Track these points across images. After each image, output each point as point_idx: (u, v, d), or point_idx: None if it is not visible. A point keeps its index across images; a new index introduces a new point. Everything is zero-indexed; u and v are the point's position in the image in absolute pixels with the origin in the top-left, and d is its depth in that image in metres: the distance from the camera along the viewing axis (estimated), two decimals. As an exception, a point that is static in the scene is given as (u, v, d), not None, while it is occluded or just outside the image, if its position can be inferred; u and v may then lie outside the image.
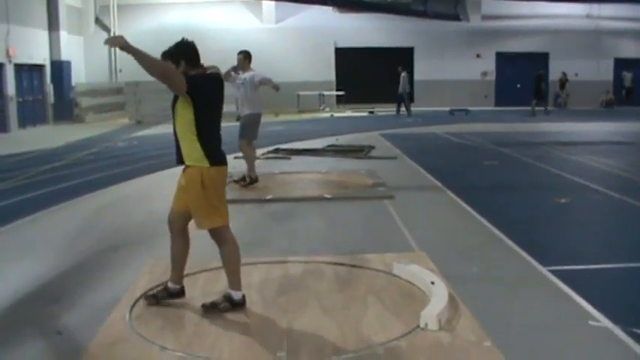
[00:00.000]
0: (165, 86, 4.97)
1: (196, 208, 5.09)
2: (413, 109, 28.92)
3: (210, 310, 5.12)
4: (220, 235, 5.19)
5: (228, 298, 5.16)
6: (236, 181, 10.89)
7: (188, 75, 5.00)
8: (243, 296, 5.21)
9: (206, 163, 5.02)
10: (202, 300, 5.29)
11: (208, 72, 5.27)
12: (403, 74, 28.16)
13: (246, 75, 10.89)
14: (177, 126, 5.10)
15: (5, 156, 16.01)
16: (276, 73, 32.07)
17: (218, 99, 5.25)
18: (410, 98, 28.90)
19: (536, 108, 27.63)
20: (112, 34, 30.66)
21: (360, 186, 10.92)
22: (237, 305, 5.16)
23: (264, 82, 11.04)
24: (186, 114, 5.00)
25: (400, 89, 28.33)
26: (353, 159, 14.57)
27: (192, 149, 5.03)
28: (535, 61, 33.05)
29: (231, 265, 5.21)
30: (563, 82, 31.64)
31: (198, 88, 5.00)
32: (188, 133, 5.03)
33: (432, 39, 32.84)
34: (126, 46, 4.65)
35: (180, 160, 5.15)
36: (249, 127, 10.98)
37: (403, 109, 28.31)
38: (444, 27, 32.35)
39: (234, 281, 5.20)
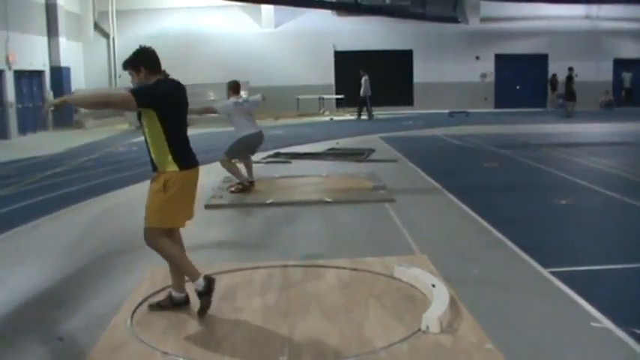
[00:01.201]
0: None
1: (149, 206, 5.11)
2: (412, 111, 28.94)
3: (202, 312, 5.13)
4: (154, 237, 5.16)
5: (199, 294, 5.14)
6: (232, 191, 10.84)
7: (142, 88, 5.04)
8: (205, 277, 5.14)
9: (176, 168, 5.05)
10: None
11: (170, 77, 5.28)
12: (365, 77, 28.27)
13: (240, 99, 11.06)
14: (146, 135, 5.14)
15: (6, 162, 16.02)
16: (275, 77, 32.35)
17: (180, 103, 5.26)
18: (371, 102, 28.91)
19: (569, 109, 27.99)
20: (111, 40, 30.74)
21: (360, 189, 10.91)
22: (210, 288, 5.12)
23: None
24: (151, 122, 5.03)
25: (362, 93, 28.41)
26: (353, 162, 14.58)
27: (164, 158, 5.07)
28: (534, 63, 33.13)
29: (176, 263, 5.22)
30: (554, 83, 31.65)
31: (154, 97, 5.00)
32: (156, 141, 5.06)
33: (431, 41, 32.88)
34: (60, 103, 4.84)
35: (155, 168, 5.17)
36: (246, 148, 11.01)
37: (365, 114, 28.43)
38: (443, 29, 32.38)
39: (189, 273, 5.19)
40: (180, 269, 5.22)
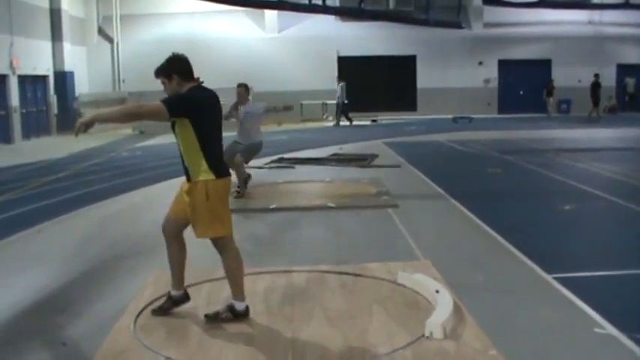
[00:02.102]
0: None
1: (199, 219, 5.06)
2: (415, 117, 28.90)
3: (213, 319, 5.12)
4: (223, 245, 5.18)
5: (230, 309, 5.16)
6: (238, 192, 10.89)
7: (175, 98, 5.01)
8: (247, 307, 5.20)
9: (212, 176, 5.01)
10: (207, 310, 5.29)
11: (203, 85, 5.25)
12: (341, 84, 28.29)
13: (253, 108, 11.17)
14: (180, 145, 5.09)
15: (10, 167, 16.05)
16: (279, 82, 32.41)
17: (214, 111, 5.21)
18: (347, 109, 28.97)
19: (593, 114, 28.16)
20: (115, 44, 30.79)
21: (363, 195, 10.92)
22: (240, 316, 5.15)
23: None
24: (186, 132, 4.99)
25: (338, 100, 28.45)
26: (356, 168, 14.58)
27: (198, 165, 5.02)
28: (538, 68, 33.10)
29: (233, 275, 5.21)
30: (550, 89, 31.63)
31: (187, 107, 4.96)
32: (191, 150, 5.02)
33: (435, 47, 32.87)
34: (89, 122, 4.73)
35: (189, 177, 5.11)
36: (253, 152, 11.13)
37: (344, 120, 28.46)
38: (447, 35, 32.36)
39: (237, 292, 5.20)
40: (234, 283, 5.20)
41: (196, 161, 5.02)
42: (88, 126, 4.71)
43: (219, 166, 5.10)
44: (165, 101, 4.89)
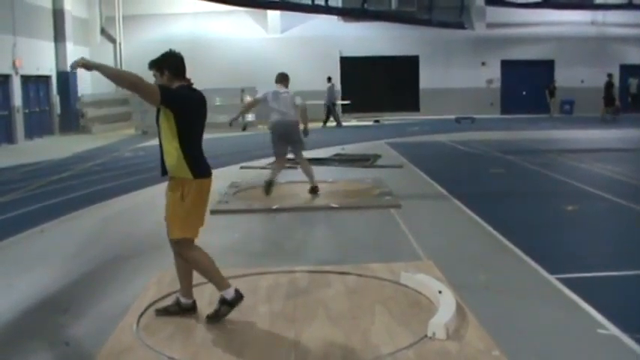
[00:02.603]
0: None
1: (171, 217, 5.12)
2: (418, 117, 28.86)
3: (214, 318, 5.14)
4: (186, 247, 5.17)
5: (223, 301, 5.17)
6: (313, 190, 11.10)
7: (169, 87, 5.04)
8: (236, 290, 5.19)
9: (189, 175, 5.05)
10: (210, 310, 5.29)
11: (192, 86, 5.29)
12: (329, 85, 28.31)
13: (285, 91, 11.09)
14: (161, 138, 5.13)
15: (13, 167, 16.06)
16: (281, 82, 32.09)
17: (200, 112, 5.25)
18: (334, 110, 28.99)
19: (605, 114, 28.34)
20: (117, 45, 30.81)
21: (366, 195, 10.91)
22: (236, 302, 5.16)
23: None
24: (168, 126, 5.02)
25: (326, 100, 28.48)
26: (359, 168, 14.57)
27: (177, 162, 5.04)
28: (540, 69, 33.06)
29: (206, 273, 5.23)
30: (552, 89, 31.58)
31: (178, 100, 5.03)
32: (171, 146, 5.05)
33: (437, 47, 32.86)
34: (87, 64, 4.76)
35: (164, 172, 5.17)
36: (274, 140, 11.06)
37: (332, 120, 28.44)
38: (449, 35, 32.35)
39: (218, 284, 5.21)
40: (211, 278, 5.23)
41: (174, 157, 5.04)
42: (87, 67, 4.76)
43: (197, 166, 5.12)
44: (160, 87, 4.98)
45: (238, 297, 5.18)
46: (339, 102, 30.65)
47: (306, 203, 10.40)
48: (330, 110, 28.64)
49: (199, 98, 5.27)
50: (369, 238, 8.24)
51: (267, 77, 30.25)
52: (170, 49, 5.28)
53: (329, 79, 28.68)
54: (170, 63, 5.17)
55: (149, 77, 5.11)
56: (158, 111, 5.10)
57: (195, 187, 5.07)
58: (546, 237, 8.11)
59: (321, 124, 28.04)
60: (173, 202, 5.08)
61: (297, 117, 11.01)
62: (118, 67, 30.80)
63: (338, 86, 30.43)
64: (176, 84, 5.13)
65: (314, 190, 10.99)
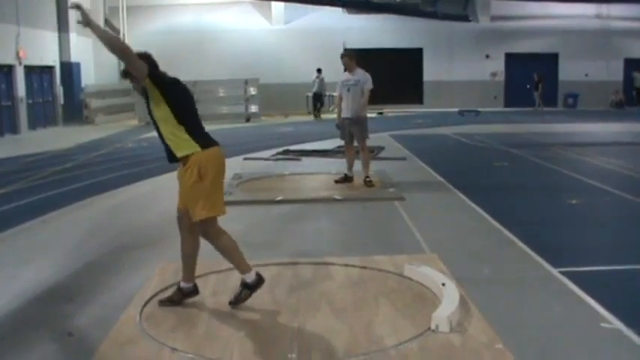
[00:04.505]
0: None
1: (192, 198, 5.05)
2: (422, 110, 28.75)
3: (235, 303, 5.21)
4: (213, 227, 5.15)
5: (244, 285, 5.22)
6: (337, 181, 11.15)
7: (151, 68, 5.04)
8: (257, 274, 5.24)
9: (197, 148, 5.02)
10: (213, 300, 5.34)
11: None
12: (321, 76, 28.25)
13: (357, 77, 10.90)
14: (159, 126, 5.10)
15: (16, 157, 16.07)
16: (285, 74, 32.35)
17: (187, 92, 5.26)
18: (321, 102, 28.98)
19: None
20: (121, 36, 30.76)
21: (370, 187, 10.88)
22: (257, 285, 5.22)
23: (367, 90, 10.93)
24: (162, 110, 5.01)
25: (318, 90, 28.45)
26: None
27: (180, 140, 5.02)
28: (545, 62, 32.98)
29: (230, 254, 5.24)
30: (537, 83, 31.46)
31: (163, 78, 5.06)
32: (170, 127, 5.02)
33: (441, 40, 32.81)
34: (85, 16, 4.97)
35: (171, 158, 5.13)
36: (366, 127, 11.08)
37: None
38: (453, 28, 32.32)
39: (240, 266, 5.23)
40: (234, 260, 5.25)
41: (176, 136, 5.02)
42: (84, 16, 4.98)
43: (201, 136, 5.10)
44: (148, 64, 4.98)
45: (259, 280, 5.23)
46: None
47: (310, 195, 10.38)
48: (320, 101, 28.62)
49: (182, 83, 5.31)
50: (373, 231, 8.23)
51: (271, 68, 30.14)
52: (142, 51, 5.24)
53: (319, 70, 28.58)
54: (147, 58, 5.13)
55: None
56: (148, 104, 5.10)
57: (208, 159, 5.03)
58: (550, 230, 8.09)
59: (325, 115, 28.04)
60: (191, 184, 5.00)
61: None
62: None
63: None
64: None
65: (368, 183, 10.95)
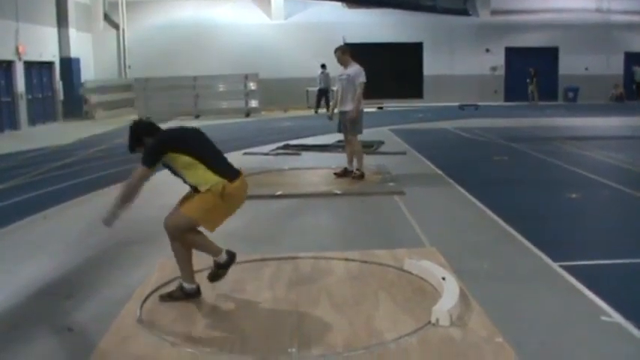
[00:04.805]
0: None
1: (201, 201, 5.08)
2: (421, 104, 28.65)
3: (214, 278, 5.32)
4: (188, 230, 5.17)
5: (218, 265, 5.29)
6: (337, 174, 11.22)
7: (148, 146, 5.13)
8: (227, 252, 5.30)
9: (224, 182, 5.07)
10: (212, 295, 5.34)
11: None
12: (326, 72, 27.94)
13: (349, 71, 10.89)
14: (187, 178, 5.13)
15: (16, 153, 16.07)
16: (284, 69, 32.28)
17: (197, 133, 5.35)
18: (324, 98, 28.80)
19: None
20: (120, 31, 30.73)
21: (369, 181, 10.90)
22: (229, 264, 5.29)
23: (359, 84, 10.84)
24: (179, 159, 5.07)
25: (323, 85, 28.35)
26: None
27: (208, 178, 5.06)
28: (545, 56, 32.93)
29: (202, 247, 5.30)
30: (532, 77, 31.40)
31: (159, 145, 5.11)
32: (198, 172, 5.07)
33: (441, 34, 32.75)
34: (117, 214, 5.10)
35: (195, 190, 5.16)
36: (358, 122, 10.99)
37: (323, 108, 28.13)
38: (453, 22, 32.26)
39: (213, 252, 5.28)
40: (204, 251, 5.27)
41: (204, 176, 5.06)
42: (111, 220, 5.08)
43: (227, 172, 5.15)
44: (142, 161, 5.08)
45: (231, 256, 5.29)
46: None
47: (309, 190, 10.38)
48: (325, 97, 28.52)
49: (188, 128, 5.42)
50: (373, 225, 8.23)
51: (271, 63, 30.05)
52: (131, 122, 5.37)
53: (323, 66, 28.49)
54: (141, 131, 5.24)
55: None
56: (169, 168, 5.17)
57: (236, 189, 5.13)
58: (550, 224, 8.10)
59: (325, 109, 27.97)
60: (209, 193, 5.05)
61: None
62: (121, 53, 30.79)
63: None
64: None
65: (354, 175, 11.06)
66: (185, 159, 5.04)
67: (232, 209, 5.27)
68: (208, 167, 5.07)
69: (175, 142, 5.14)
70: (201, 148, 5.19)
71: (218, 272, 5.29)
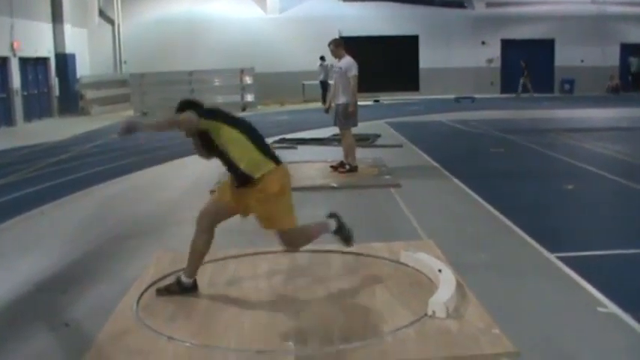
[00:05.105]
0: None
1: (279, 214, 5.12)
2: (418, 97, 28.59)
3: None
4: (299, 234, 5.32)
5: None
6: (333, 167, 11.21)
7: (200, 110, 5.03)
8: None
9: (273, 165, 5.03)
10: (210, 290, 5.32)
11: None
12: (325, 63, 27.82)
13: (342, 64, 10.89)
14: (228, 151, 4.97)
15: (12, 149, 16.03)
16: (280, 62, 32.20)
17: (237, 117, 5.28)
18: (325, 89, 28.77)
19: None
20: (116, 26, 30.65)
21: (366, 174, 10.90)
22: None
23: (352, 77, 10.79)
24: (229, 134, 4.97)
25: (323, 77, 28.25)
26: (359, 147, 14.50)
27: (253, 160, 4.99)
28: (541, 48, 32.93)
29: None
30: (523, 69, 31.40)
31: (217, 110, 5.15)
32: (240, 147, 4.98)
33: (437, 27, 32.72)
34: (138, 128, 4.75)
35: (243, 181, 5.02)
36: (351, 116, 10.94)
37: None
38: (449, 14, 32.25)
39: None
40: (319, 230, 5.56)
41: (250, 155, 4.99)
42: (134, 131, 4.75)
43: (270, 153, 5.14)
44: (190, 109, 4.97)
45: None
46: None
47: (306, 183, 10.37)
48: (326, 89, 28.48)
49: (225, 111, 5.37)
50: (369, 218, 8.22)
51: (267, 57, 29.97)
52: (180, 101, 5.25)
53: (322, 58, 28.41)
54: (189, 105, 5.11)
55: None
56: (203, 140, 5.03)
57: (284, 174, 5.15)
58: (546, 216, 8.11)
59: (313, 103, 27.96)
60: (275, 200, 5.05)
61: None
62: (116, 48, 30.72)
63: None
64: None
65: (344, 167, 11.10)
66: (233, 133, 4.97)
67: (290, 193, 5.27)
68: (256, 146, 5.02)
69: (225, 113, 5.15)
70: (249, 127, 5.17)
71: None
